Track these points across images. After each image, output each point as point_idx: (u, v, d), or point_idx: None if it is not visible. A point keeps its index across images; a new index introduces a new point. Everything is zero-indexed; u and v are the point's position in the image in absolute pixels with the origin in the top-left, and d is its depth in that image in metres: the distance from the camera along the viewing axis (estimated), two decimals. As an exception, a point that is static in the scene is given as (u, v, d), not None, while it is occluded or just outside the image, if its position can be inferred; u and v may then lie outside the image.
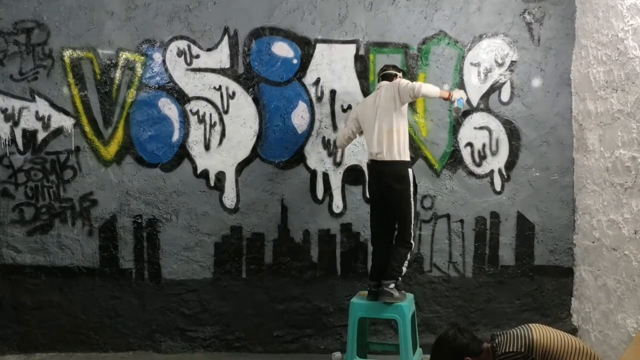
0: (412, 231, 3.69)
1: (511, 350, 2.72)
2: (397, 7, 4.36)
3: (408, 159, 3.73)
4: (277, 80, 4.38)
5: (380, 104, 3.71)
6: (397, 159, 3.65)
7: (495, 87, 4.39)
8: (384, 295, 3.64)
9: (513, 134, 4.39)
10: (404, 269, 3.70)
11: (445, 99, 3.76)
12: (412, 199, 3.68)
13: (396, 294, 3.65)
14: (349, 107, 4.36)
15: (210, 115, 4.38)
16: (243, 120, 4.38)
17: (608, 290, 3.83)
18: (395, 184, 3.65)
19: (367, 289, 3.85)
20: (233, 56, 4.37)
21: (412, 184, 3.69)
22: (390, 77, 3.83)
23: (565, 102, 4.38)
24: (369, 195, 3.98)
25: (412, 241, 3.71)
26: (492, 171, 4.41)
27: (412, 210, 3.69)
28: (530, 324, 2.87)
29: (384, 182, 3.68)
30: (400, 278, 3.72)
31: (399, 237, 3.73)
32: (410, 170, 3.70)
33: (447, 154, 4.40)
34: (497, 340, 2.84)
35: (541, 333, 2.76)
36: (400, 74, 3.88)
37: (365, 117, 3.82)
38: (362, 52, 4.37)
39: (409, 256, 3.71)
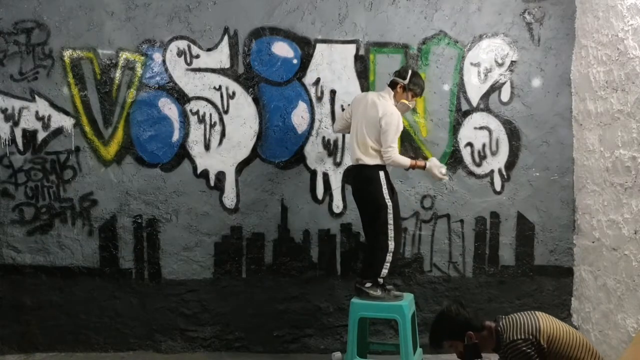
0: None
1: (518, 337, 2.69)
2: (397, 7, 4.36)
3: None
4: (277, 80, 4.37)
5: (368, 115, 3.71)
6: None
7: (495, 87, 4.39)
8: (360, 294, 3.70)
9: (513, 134, 4.39)
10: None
11: (417, 168, 3.77)
12: None
13: (375, 293, 3.66)
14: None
15: (210, 115, 4.38)
16: (243, 120, 4.38)
17: (608, 290, 3.83)
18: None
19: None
20: (233, 56, 4.36)
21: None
22: (393, 85, 3.79)
23: (565, 102, 4.38)
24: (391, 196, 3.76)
25: None
26: (492, 171, 4.41)
27: None
28: (536, 312, 2.82)
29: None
30: (379, 279, 3.69)
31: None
32: None
33: (447, 154, 4.40)
34: (501, 324, 2.80)
35: (547, 322, 2.74)
36: (401, 84, 3.74)
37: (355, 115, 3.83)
38: (362, 52, 4.37)
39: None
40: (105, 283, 4.39)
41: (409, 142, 4.37)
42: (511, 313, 2.93)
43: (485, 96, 4.39)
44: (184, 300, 4.41)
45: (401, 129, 3.72)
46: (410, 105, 3.81)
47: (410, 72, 3.76)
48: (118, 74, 4.35)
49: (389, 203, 3.66)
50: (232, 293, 4.41)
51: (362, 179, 3.78)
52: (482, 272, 4.41)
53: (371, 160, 3.70)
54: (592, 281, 4.08)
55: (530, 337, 2.67)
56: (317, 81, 4.37)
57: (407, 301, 3.75)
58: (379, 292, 3.67)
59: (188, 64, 4.36)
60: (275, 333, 4.42)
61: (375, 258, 3.68)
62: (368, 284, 3.68)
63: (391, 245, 3.66)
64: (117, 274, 4.39)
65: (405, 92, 3.74)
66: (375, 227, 3.70)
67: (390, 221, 3.66)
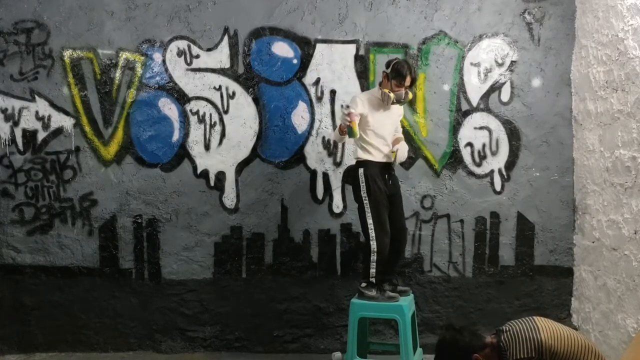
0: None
1: (522, 357, 2.66)
2: (397, 7, 4.36)
3: None
4: (277, 80, 4.37)
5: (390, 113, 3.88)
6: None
7: (495, 87, 4.39)
8: (358, 293, 3.77)
9: (513, 134, 4.39)
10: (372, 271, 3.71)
11: (343, 129, 3.70)
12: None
13: (369, 293, 3.70)
14: (349, 107, 4.35)
15: (210, 115, 4.38)
16: (243, 120, 4.38)
17: (608, 290, 3.83)
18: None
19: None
20: (233, 56, 4.37)
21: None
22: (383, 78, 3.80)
23: (565, 102, 4.38)
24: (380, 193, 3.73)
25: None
26: (492, 171, 4.40)
27: None
28: (535, 319, 2.78)
29: (395, 181, 3.89)
30: (371, 279, 3.71)
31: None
32: None
33: (447, 154, 4.40)
34: (502, 338, 2.75)
35: (548, 332, 2.70)
36: (384, 72, 3.73)
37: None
38: (362, 52, 4.37)
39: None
40: (105, 283, 4.39)
41: (409, 142, 4.36)
42: (510, 318, 2.89)
43: (485, 96, 4.39)
44: (184, 300, 4.41)
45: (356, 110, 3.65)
46: (392, 95, 3.64)
47: (394, 62, 3.69)
48: (118, 74, 4.35)
49: (366, 201, 3.67)
50: (232, 293, 4.41)
51: (347, 176, 3.98)
52: (482, 272, 4.41)
53: (355, 155, 3.83)
54: (592, 281, 4.08)
55: (534, 354, 2.64)
56: (317, 81, 4.37)
57: (407, 301, 3.75)
58: (373, 292, 3.71)
59: (188, 64, 4.36)
60: (275, 333, 4.42)
61: (365, 259, 3.76)
62: (364, 284, 3.74)
63: (373, 245, 3.65)
64: (117, 273, 4.39)
65: (389, 81, 3.69)
66: (361, 227, 3.80)
67: (370, 220, 3.66)
